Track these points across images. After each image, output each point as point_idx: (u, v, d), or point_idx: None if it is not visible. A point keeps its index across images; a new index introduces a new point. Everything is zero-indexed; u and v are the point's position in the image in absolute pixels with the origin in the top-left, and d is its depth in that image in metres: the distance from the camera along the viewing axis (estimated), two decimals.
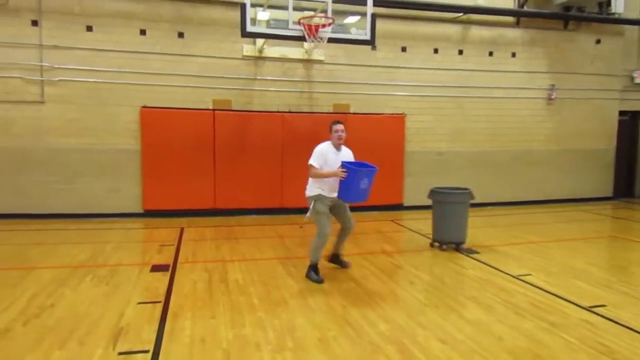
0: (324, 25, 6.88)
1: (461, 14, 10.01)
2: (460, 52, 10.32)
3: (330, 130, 5.27)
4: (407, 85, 10.00)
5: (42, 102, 8.20)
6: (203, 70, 8.85)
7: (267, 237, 7.47)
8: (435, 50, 10.15)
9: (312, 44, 7.07)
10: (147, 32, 8.53)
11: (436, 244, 6.73)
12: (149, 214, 8.75)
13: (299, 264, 5.72)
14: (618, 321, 4.11)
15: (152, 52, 8.56)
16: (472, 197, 6.55)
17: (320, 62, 9.43)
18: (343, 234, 5.57)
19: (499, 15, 10.32)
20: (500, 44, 10.56)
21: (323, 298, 4.69)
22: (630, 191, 12.14)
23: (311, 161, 5.15)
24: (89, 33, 8.28)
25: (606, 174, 11.68)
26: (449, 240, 6.60)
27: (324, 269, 5.59)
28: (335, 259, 5.73)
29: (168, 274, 5.40)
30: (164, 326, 3.91)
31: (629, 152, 12.08)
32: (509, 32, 10.60)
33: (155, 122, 8.61)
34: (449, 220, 6.55)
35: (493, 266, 5.87)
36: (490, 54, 10.52)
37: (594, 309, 4.40)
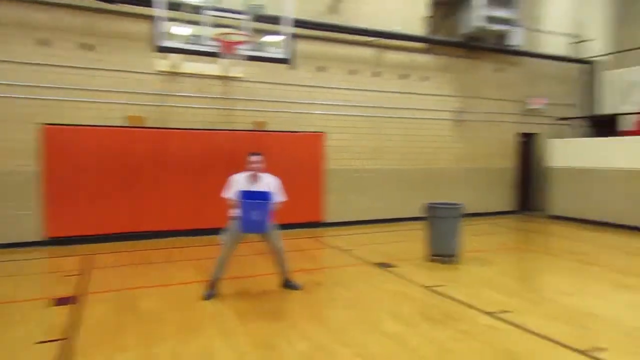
0: (240, 43, 6.84)
1: (376, 38, 10.46)
2: (376, 74, 10.75)
3: (248, 161, 5.32)
4: (325, 104, 10.21)
5: None
6: (115, 85, 8.39)
7: (184, 260, 7.14)
8: (352, 72, 10.49)
9: (229, 61, 6.98)
10: (50, 43, 7.93)
11: (435, 257, 6.98)
12: (53, 241, 8.01)
13: (216, 286, 5.50)
14: (522, 326, 4.40)
15: (56, 64, 7.97)
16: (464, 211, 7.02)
17: (238, 79, 9.35)
18: (274, 258, 5.54)
19: (410, 41, 10.93)
20: (413, 68, 11.17)
21: (241, 320, 4.54)
22: (531, 206, 13.21)
23: (223, 193, 5.37)
24: None
25: (509, 190, 12.65)
26: (444, 253, 6.91)
27: (251, 290, 5.46)
28: (285, 283, 5.61)
29: (73, 306, 4.94)
30: None
31: (527, 170, 13.19)
32: (420, 58, 11.25)
33: (60, 140, 7.98)
34: (444, 233, 6.86)
35: (409, 279, 6.06)
36: (404, 77, 11.07)
37: (501, 315, 4.67)
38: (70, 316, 4.64)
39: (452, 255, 6.95)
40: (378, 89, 10.75)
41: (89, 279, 6.04)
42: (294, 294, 5.45)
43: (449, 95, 11.66)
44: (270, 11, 7.58)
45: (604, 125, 12.34)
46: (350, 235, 9.33)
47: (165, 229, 8.77)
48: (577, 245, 8.69)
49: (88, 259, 7.13)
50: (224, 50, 6.72)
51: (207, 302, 5.12)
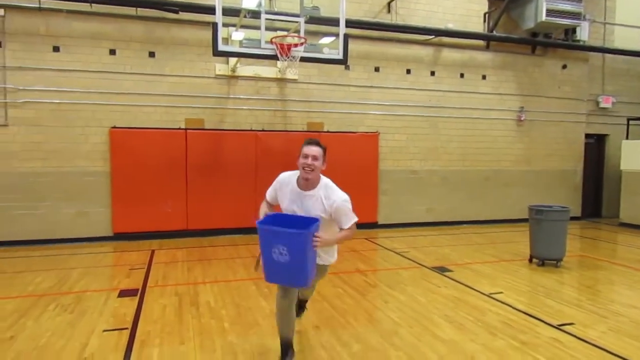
0: (296, 45, 6.93)
1: (432, 36, 10.26)
2: (432, 73, 10.53)
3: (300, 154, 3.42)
4: (380, 104, 10.13)
5: (5, 125, 7.95)
6: (175, 90, 8.77)
7: (240, 257, 7.34)
8: (408, 71, 10.33)
9: (285, 63, 7.09)
10: (117, 52, 8.42)
11: (535, 260, 6.97)
12: (119, 237, 8.51)
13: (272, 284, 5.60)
14: (586, 339, 4.15)
15: (122, 72, 8.44)
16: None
17: (294, 81, 9.48)
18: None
19: (469, 38, 10.62)
20: (471, 66, 10.83)
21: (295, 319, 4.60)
22: (598, 212, 12.44)
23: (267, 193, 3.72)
24: (55, 53, 8.11)
25: (575, 194, 11.95)
26: (548, 257, 6.86)
27: None
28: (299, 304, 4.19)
29: (136, 298, 5.23)
30: (130, 355, 3.77)
31: (595, 174, 12.43)
32: (479, 55, 10.90)
33: (125, 143, 8.45)
34: (549, 237, 6.77)
35: (466, 284, 5.88)
36: (462, 75, 10.76)
37: (563, 327, 4.43)
38: (133, 308, 4.91)
39: (557, 260, 6.83)
40: (435, 88, 10.53)
41: (150, 273, 6.35)
42: (348, 295, 5.44)
43: (509, 94, 11.20)
44: (325, 13, 7.64)
45: None
46: (405, 238, 9.20)
47: (222, 226, 9.05)
48: None
49: (150, 254, 7.51)
50: (280, 53, 6.84)
51: (262, 299, 5.21)
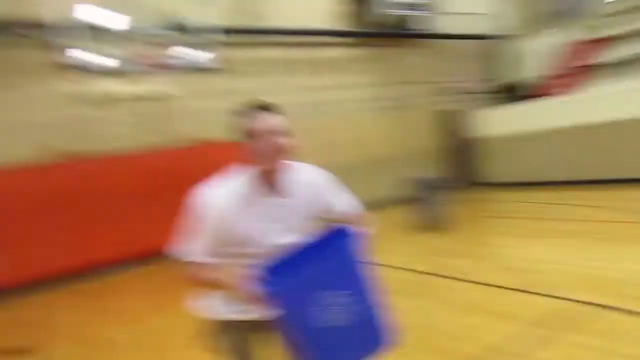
0: (166, 57, 6.78)
1: (287, 36, 10.67)
2: (303, 73, 10.97)
3: (250, 135, 1.89)
4: None
5: None
6: (27, 118, 7.87)
7: (147, 288, 6.98)
8: (285, 74, 10.65)
9: (158, 78, 6.92)
10: None
11: (421, 229, 7.56)
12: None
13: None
14: (473, 280, 4.84)
15: None
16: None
17: (170, 95, 9.09)
18: None
19: (321, 35, 11.24)
20: (326, 63, 11.46)
21: None
22: (467, 179, 13.33)
23: (179, 245, 1.94)
24: None
25: (442, 166, 12.87)
26: (432, 224, 7.47)
27: None
28: None
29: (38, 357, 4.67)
30: None
31: (461, 144, 13.57)
32: (333, 52, 11.64)
33: None
34: (427, 206, 7.52)
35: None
36: (315, 73, 11.20)
37: (458, 276, 5.08)
38: None
39: (441, 225, 7.46)
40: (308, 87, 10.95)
41: (47, 325, 5.78)
42: None
43: (374, 86, 12.13)
44: (195, 23, 7.50)
45: (511, 92, 13.28)
46: None
47: (117, 260, 8.39)
48: (519, 205, 9.55)
49: (42, 305, 6.79)
50: (151, 68, 6.67)
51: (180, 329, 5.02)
